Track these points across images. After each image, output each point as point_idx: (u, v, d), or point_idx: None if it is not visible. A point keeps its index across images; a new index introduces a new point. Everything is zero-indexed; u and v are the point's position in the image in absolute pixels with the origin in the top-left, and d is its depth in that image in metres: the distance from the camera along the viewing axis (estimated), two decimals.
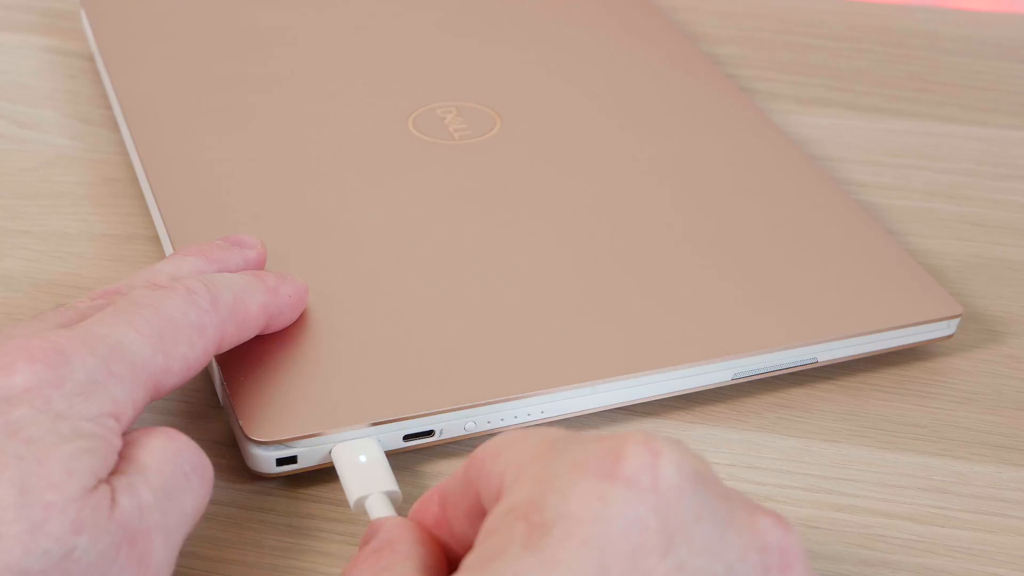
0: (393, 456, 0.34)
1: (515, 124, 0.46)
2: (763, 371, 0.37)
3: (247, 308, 0.33)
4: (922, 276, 0.39)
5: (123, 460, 0.28)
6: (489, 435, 0.35)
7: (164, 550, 0.27)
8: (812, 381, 0.38)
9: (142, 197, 0.45)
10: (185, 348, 0.30)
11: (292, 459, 0.32)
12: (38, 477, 0.26)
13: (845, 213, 0.42)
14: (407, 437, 0.33)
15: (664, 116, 0.47)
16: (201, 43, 0.50)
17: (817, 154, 0.49)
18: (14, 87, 0.52)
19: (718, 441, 0.36)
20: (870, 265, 0.39)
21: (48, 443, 0.26)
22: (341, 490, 0.33)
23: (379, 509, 0.31)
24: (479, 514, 0.27)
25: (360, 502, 0.31)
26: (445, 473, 0.34)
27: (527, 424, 0.35)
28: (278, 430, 0.32)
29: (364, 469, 0.32)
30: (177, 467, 0.28)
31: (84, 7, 0.53)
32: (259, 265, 0.36)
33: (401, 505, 0.32)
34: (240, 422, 0.32)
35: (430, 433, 0.34)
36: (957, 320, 0.38)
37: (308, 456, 0.32)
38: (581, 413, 0.35)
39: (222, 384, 0.34)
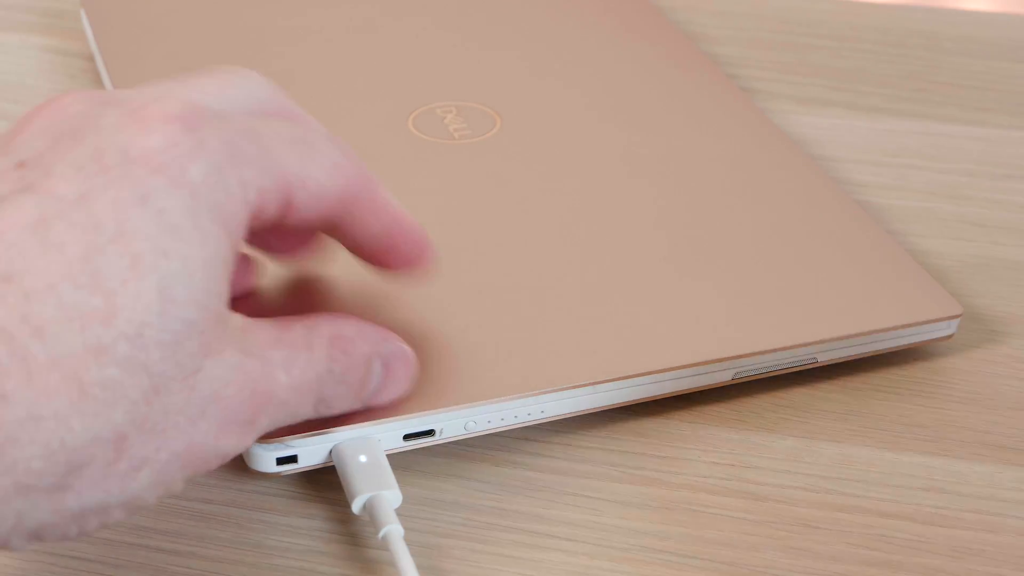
0: (393, 456, 0.34)
1: (515, 124, 0.46)
2: (763, 371, 0.37)
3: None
4: (922, 276, 0.39)
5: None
6: (489, 435, 0.35)
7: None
8: (812, 381, 0.38)
9: None
10: (317, 170, 0.29)
11: (292, 458, 0.32)
12: (184, 287, 0.25)
13: (845, 213, 0.42)
14: (407, 436, 0.33)
15: (664, 116, 0.47)
16: (201, 43, 0.50)
17: (817, 154, 0.49)
18: (14, 87, 0.52)
19: (718, 441, 0.36)
20: (870, 265, 0.39)
21: (190, 240, 0.25)
22: (341, 490, 0.33)
23: (380, 509, 0.31)
24: None
25: (361, 502, 0.31)
26: (445, 473, 0.34)
27: (527, 424, 0.35)
28: (278, 429, 0.32)
29: (365, 469, 0.32)
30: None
31: (84, 7, 0.53)
32: None
33: (401, 506, 0.32)
34: None
35: (430, 433, 0.34)
36: (957, 320, 0.38)
37: (308, 455, 0.32)
38: (581, 413, 0.35)
39: None
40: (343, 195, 0.30)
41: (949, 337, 0.38)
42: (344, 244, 0.32)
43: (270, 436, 0.32)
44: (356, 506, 0.31)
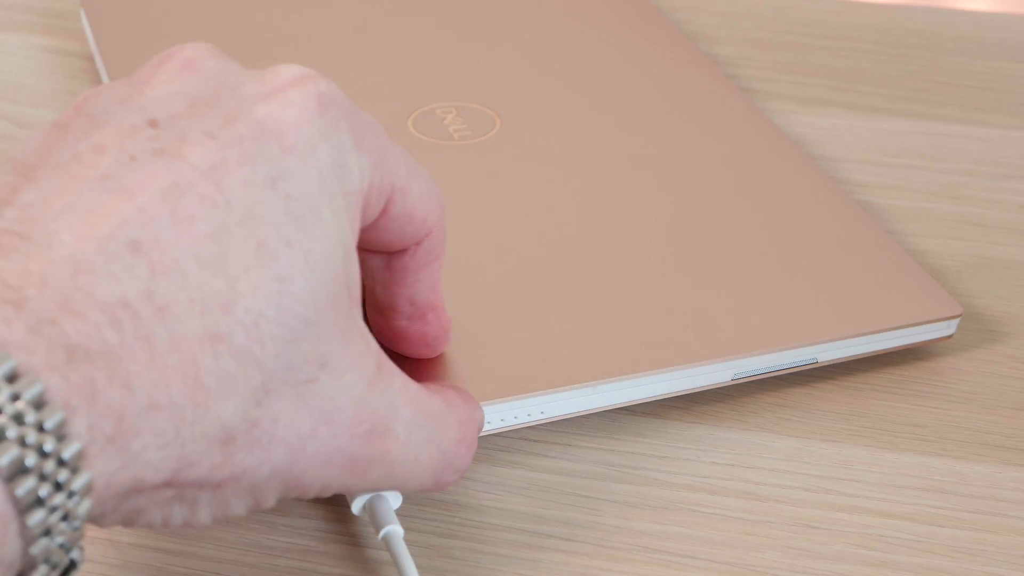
0: None
1: (515, 124, 0.46)
2: (763, 371, 0.37)
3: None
4: (922, 276, 0.39)
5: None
6: (489, 435, 0.35)
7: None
8: (812, 381, 0.38)
9: None
10: (418, 186, 0.29)
11: None
12: (303, 281, 0.24)
13: (845, 213, 0.42)
14: None
15: (664, 116, 0.47)
16: None
17: (817, 154, 0.49)
18: (14, 87, 0.52)
19: (718, 441, 0.36)
20: (870, 265, 0.39)
21: (313, 231, 0.25)
22: None
23: (380, 509, 0.31)
24: None
25: (361, 502, 0.31)
26: None
27: (527, 424, 0.35)
28: None
29: None
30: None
31: (84, 7, 0.53)
32: None
33: (401, 506, 0.32)
34: None
35: None
36: (957, 320, 0.38)
37: None
38: (581, 413, 0.35)
39: None
40: (427, 224, 0.29)
41: (949, 337, 0.38)
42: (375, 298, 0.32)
43: None
44: (356, 506, 0.31)
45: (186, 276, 0.23)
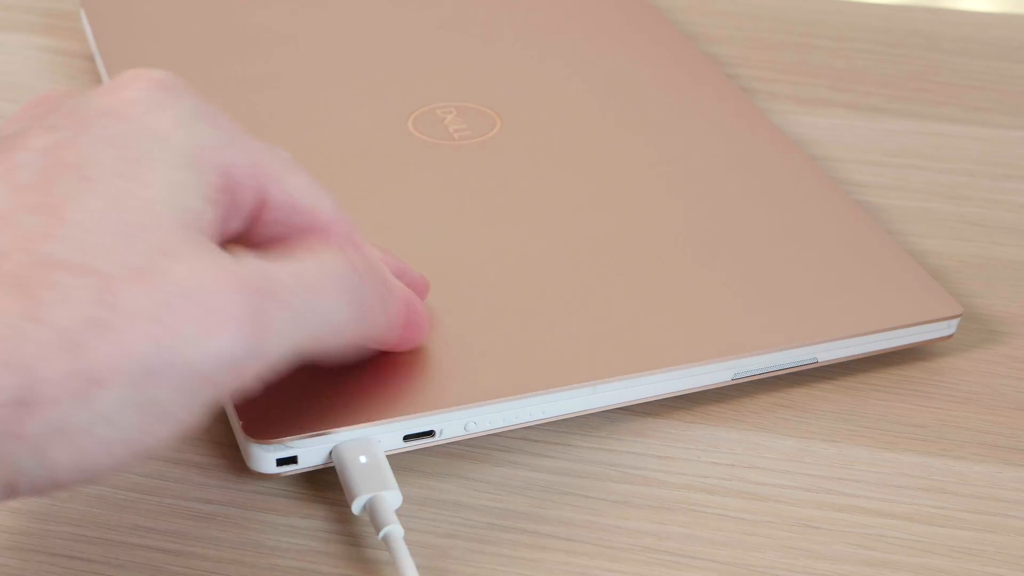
0: (393, 456, 0.34)
1: (515, 124, 0.46)
2: (763, 371, 0.37)
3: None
4: (922, 276, 0.39)
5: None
6: (489, 435, 0.35)
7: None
8: (812, 381, 0.38)
9: None
10: (294, 178, 0.30)
11: (292, 459, 0.32)
12: (138, 201, 0.25)
13: (845, 213, 0.42)
14: (407, 437, 0.33)
15: (664, 116, 0.47)
16: (201, 43, 0.50)
17: (817, 154, 0.49)
18: (14, 87, 0.52)
19: (718, 441, 0.36)
20: (870, 265, 0.39)
21: (150, 168, 0.26)
22: (341, 490, 0.33)
23: (380, 509, 0.31)
24: None
25: (361, 502, 0.31)
26: (446, 473, 0.34)
27: (527, 424, 0.35)
28: (278, 430, 0.32)
29: (365, 469, 0.32)
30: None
31: (84, 7, 0.53)
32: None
33: (402, 506, 0.32)
34: (240, 422, 0.32)
35: (430, 433, 0.34)
36: (957, 320, 0.38)
37: (308, 456, 0.32)
38: (581, 413, 0.35)
39: None
40: (319, 216, 0.30)
41: (949, 337, 0.38)
42: None
43: (270, 437, 0.32)
44: (356, 507, 0.31)
45: (16, 222, 0.24)
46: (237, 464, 0.34)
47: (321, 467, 0.33)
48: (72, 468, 0.24)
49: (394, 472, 0.32)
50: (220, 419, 0.35)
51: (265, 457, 0.32)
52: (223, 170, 0.28)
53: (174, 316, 0.24)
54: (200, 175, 0.27)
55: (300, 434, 0.32)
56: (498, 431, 0.34)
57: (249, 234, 0.30)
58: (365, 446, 0.32)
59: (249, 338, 0.25)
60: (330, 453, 0.32)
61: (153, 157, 0.26)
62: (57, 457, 0.24)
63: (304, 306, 0.27)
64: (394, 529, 0.31)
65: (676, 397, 0.37)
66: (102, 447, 0.24)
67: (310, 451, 0.32)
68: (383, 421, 0.33)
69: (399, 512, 0.32)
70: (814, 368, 0.38)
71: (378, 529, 0.31)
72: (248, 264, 0.26)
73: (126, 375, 0.24)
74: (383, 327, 0.31)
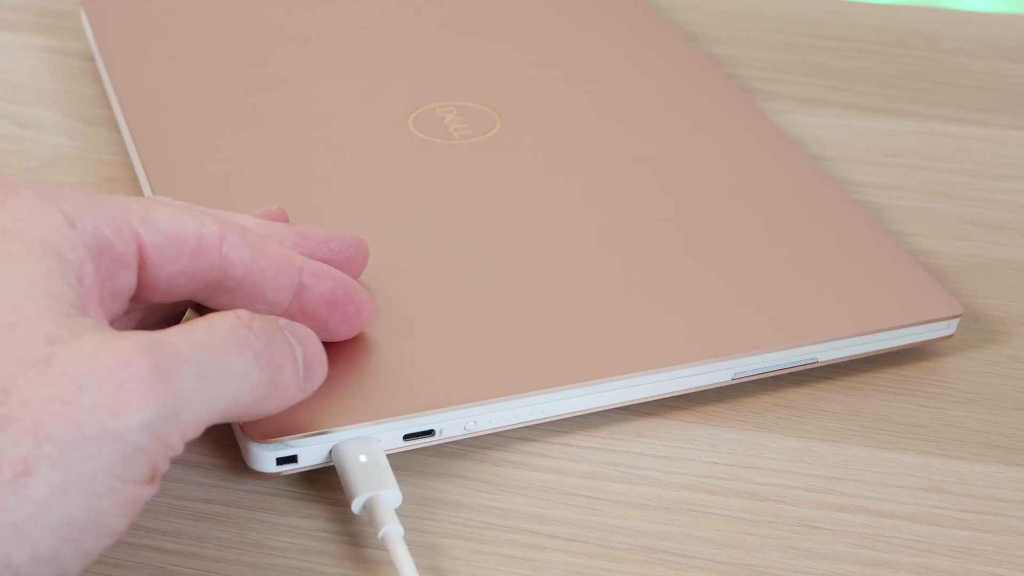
0: (393, 456, 0.34)
1: (515, 124, 0.46)
2: (763, 371, 0.37)
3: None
4: (922, 276, 0.39)
5: None
6: (489, 435, 0.35)
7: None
8: (812, 381, 0.38)
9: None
10: (163, 214, 0.30)
11: (292, 458, 0.32)
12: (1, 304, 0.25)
13: (845, 213, 0.42)
14: (407, 436, 0.33)
15: (664, 116, 0.47)
16: (201, 43, 0.50)
17: (817, 154, 0.49)
18: (14, 87, 0.52)
19: (718, 441, 0.36)
20: (870, 265, 0.39)
21: (3, 265, 0.26)
22: (341, 490, 0.33)
23: (380, 509, 0.31)
24: None
25: (361, 502, 0.31)
26: (445, 473, 0.34)
27: (527, 424, 0.35)
28: (278, 429, 0.32)
29: (364, 469, 0.32)
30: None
31: (84, 7, 0.53)
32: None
33: (401, 506, 0.32)
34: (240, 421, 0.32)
35: (430, 433, 0.34)
36: (957, 320, 0.38)
37: (308, 455, 0.32)
38: (581, 413, 0.35)
39: None
40: (204, 238, 0.30)
41: (949, 337, 0.38)
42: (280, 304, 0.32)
43: (271, 436, 0.32)
44: (356, 506, 0.31)
45: None
46: (237, 464, 0.34)
47: (321, 466, 0.33)
48: (32, 561, 0.24)
49: (394, 472, 0.32)
50: None
51: (265, 456, 0.32)
52: (88, 236, 0.28)
53: (82, 393, 0.25)
54: (58, 257, 0.27)
55: (300, 433, 0.32)
56: (498, 431, 0.34)
57: (153, 281, 0.30)
58: (365, 445, 0.32)
59: (162, 399, 0.26)
60: (330, 452, 0.32)
61: (2, 256, 0.26)
62: (13, 554, 0.24)
63: (205, 361, 0.27)
64: (394, 528, 0.31)
65: (676, 397, 0.37)
66: (56, 536, 0.24)
67: (310, 450, 0.32)
68: (383, 420, 0.33)
69: (399, 512, 0.32)
70: (814, 368, 0.38)
71: (378, 528, 0.31)
72: (137, 334, 0.26)
73: (50, 460, 0.24)
74: (301, 375, 0.30)
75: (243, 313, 0.29)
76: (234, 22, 0.52)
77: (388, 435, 0.33)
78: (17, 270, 0.26)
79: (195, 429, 0.27)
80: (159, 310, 0.34)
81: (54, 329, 0.25)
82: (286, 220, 0.36)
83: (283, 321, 0.30)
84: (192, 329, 0.28)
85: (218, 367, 0.27)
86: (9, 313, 0.25)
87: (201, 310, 0.36)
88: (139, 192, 0.45)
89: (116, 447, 0.25)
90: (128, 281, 0.30)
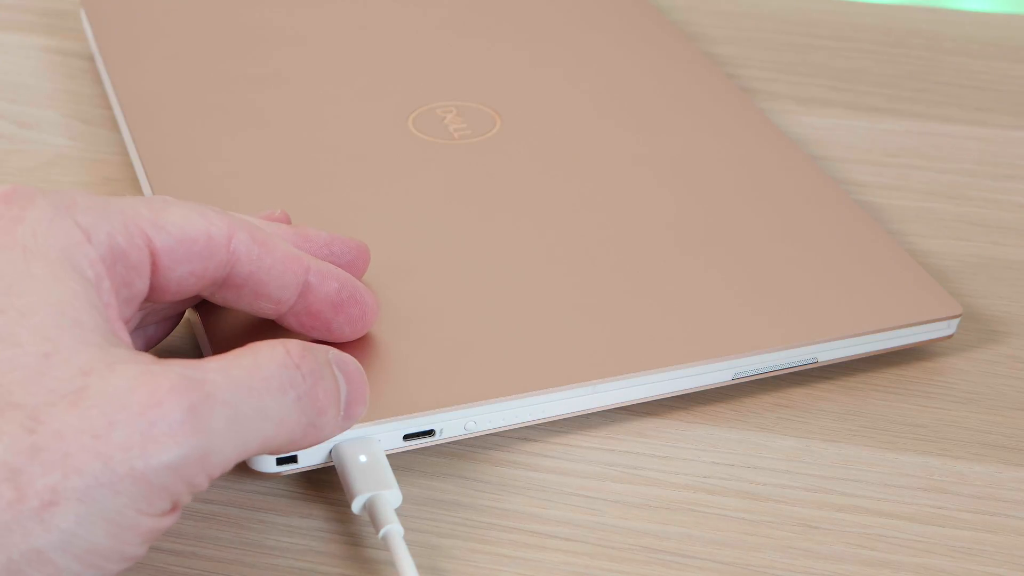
0: (393, 456, 0.34)
1: (515, 124, 0.46)
2: (763, 371, 0.37)
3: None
4: (922, 276, 0.39)
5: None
6: (489, 435, 0.35)
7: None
8: (812, 381, 0.38)
9: None
10: (175, 216, 0.30)
11: (292, 458, 0.32)
12: (27, 331, 0.25)
13: (845, 213, 0.42)
14: (407, 437, 0.33)
15: (664, 116, 0.47)
16: (201, 43, 0.50)
17: (817, 154, 0.49)
18: (14, 87, 0.52)
19: (718, 441, 0.36)
20: (870, 265, 0.39)
21: (23, 288, 0.26)
22: (341, 490, 0.33)
23: (380, 509, 0.31)
24: None
25: (361, 502, 0.31)
26: (445, 473, 0.34)
27: (527, 424, 0.35)
28: None
29: (364, 469, 0.32)
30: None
31: (84, 7, 0.53)
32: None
33: (401, 506, 0.32)
34: None
35: (430, 433, 0.34)
36: (957, 320, 0.38)
37: (308, 455, 0.32)
38: (581, 413, 0.35)
39: None
40: (215, 236, 0.30)
41: (949, 337, 0.38)
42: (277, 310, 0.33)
43: None
44: (356, 506, 0.31)
45: None
46: (237, 464, 0.34)
47: (321, 466, 0.33)
48: None
49: (394, 472, 0.32)
50: None
51: (265, 456, 0.32)
52: (103, 248, 0.28)
53: (112, 429, 0.25)
54: (80, 278, 0.27)
55: None
56: (498, 431, 0.34)
57: (164, 283, 0.30)
58: (365, 445, 0.32)
59: (191, 441, 0.25)
60: (330, 452, 0.32)
61: (26, 278, 0.26)
62: None
63: (241, 403, 0.27)
64: (394, 528, 0.31)
65: (676, 397, 0.37)
66: (80, 562, 0.25)
67: (310, 450, 0.32)
68: (383, 420, 0.33)
69: (399, 512, 0.32)
70: (814, 368, 0.38)
71: (378, 528, 0.31)
72: (175, 368, 0.26)
73: (78, 492, 0.24)
74: (341, 414, 0.30)
75: (294, 348, 0.28)
76: (234, 22, 0.52)
77: (388, 435, 0.33)
78: (44, 296, 0.26)
79: (222, 468, 0.27)
80: (161, 306, 0.34)
81: (87, 360, 0.25)
82: (288, 224, 0.36)
83: (333, 353, 0.30)
84: (235, 365, 0.27)
85: (254, 409, 0.27)
86: (43, 342, 0.25)
87: (202, 310, 0.36)
88: (139, 192, 0.45)
89: (142, 486, 0.25)
90: (141, 287, 0.30)
